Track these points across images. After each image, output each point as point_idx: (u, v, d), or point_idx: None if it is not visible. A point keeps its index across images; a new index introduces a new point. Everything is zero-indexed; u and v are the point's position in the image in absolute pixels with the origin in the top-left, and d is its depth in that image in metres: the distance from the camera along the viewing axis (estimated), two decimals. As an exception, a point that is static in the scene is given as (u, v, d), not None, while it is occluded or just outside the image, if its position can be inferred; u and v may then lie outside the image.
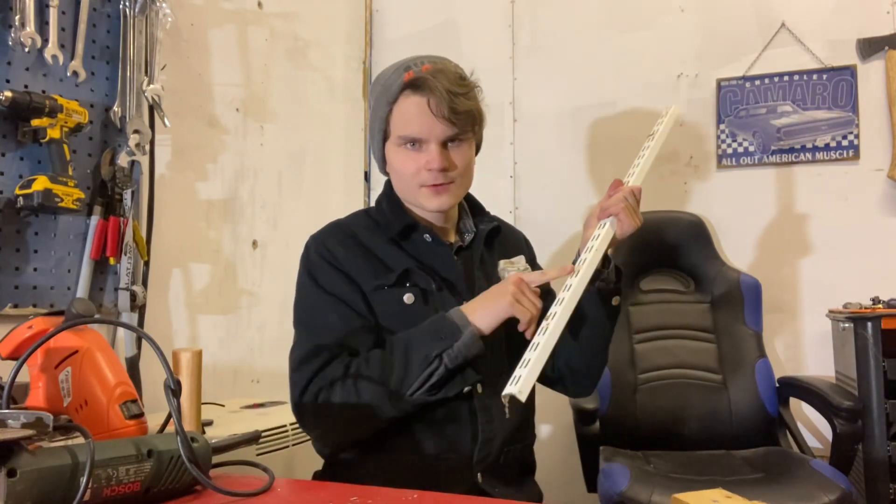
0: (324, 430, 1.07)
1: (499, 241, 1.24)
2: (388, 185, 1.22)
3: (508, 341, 1.12)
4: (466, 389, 1.06)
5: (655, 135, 1.17)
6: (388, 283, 1.09)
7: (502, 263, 1.20)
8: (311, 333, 1.08)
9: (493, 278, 1.18)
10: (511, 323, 1.12)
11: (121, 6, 1.62)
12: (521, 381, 0.88)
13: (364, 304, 1.09)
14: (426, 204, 1.12)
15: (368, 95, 1.19)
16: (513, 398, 0.88)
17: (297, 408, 1.05)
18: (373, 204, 1.26)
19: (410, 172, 1.10)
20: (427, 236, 1.14)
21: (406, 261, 1.12)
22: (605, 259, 1.12)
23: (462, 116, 1.07)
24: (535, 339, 0.96)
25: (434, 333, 1.01)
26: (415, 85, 1.06)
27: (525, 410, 1.18)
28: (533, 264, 1.27)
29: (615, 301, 1.14)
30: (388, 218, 1.16)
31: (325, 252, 1.12)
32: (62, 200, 1.39)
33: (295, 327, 1.12)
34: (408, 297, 1.08)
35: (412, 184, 1.11)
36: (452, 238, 1.21)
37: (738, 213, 2.17)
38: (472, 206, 1.25)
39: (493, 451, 1.08)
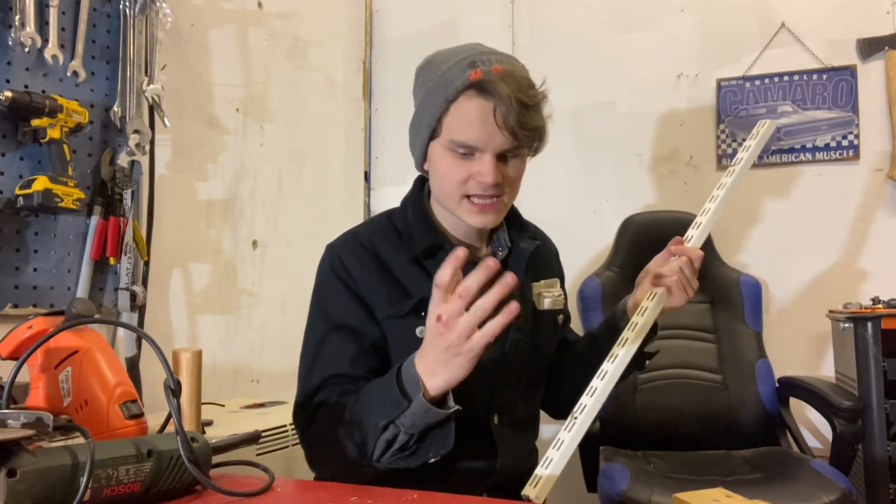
0: (326, 478, 0.99)
1: (534, 258, 1.12)
2: (418, 184, 1.12)
3: (524, 367, 1.08)
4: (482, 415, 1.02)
5: (717, 199, 1.12)
6: (400, 313, 0.99)
7: (538, 287, 1.11)
8: (309, 370, 1.01)
9: (530, 305, 1.09)
10: (533, 354, 1.09)
11: (121, 6, 1.62)
12: (540, 485, 0.88)
13: (374, 330, 1.00)
14: (468, 219, 1.00)
15: (416, 79, 1.05)
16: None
17: (303, 448, 1.01)
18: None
19: (457, 180, 0.97)
20: None
21: (426, 286, 0.97)
22: (654, 327, 1.06)
23: (527, 133, 0.95)
24: (560, 435, 0.92)
25: (381, 397, 0.86)
26: (481, 87, 0.93)
27: (535, 435, 1.16)
28: (562, 282, 1.19)
29: (646, 363, 1.11)
30: (412, 232, 1.05)
31: (339, 268, 1.02)
32: (62, 200, 1.39)
33: (301, 356, 1.04)
34: (420, 331, 0.97)
35: (456, 192, 0.99)
36: (483, 253, 1.10)
37: (738, 213, 2.17)
38: (508, 216, 1.13)
39: (505, 472, 1.05)
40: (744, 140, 2.17)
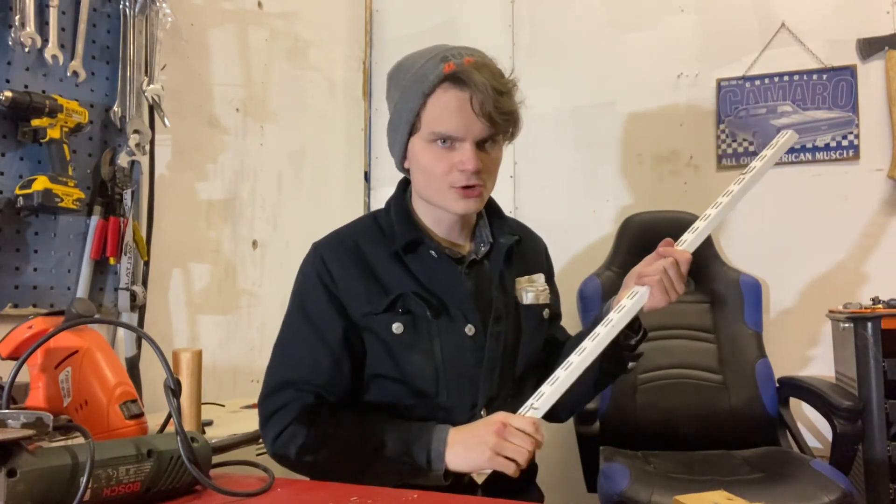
0: (283, 465, 1.04)
1: (518, 253, 1.16)
2: (401, 185, 1.15)
3: (508, 361, 1.09)
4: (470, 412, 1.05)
5: (720, 206, 1.11)
6: (376, 311, 1.03)
7: (521, 283, 1.13)
8: (282, 363, 1.06)
9: (511, 298, 1.12)
10: (517, 348, 1.10)
11: (121, 6, 1.62)
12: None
13: (350, 335, 1.04)
14: (452, 206, 1.03)
15: (389, 83, 1.09)
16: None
17: (262, 433, 1.04)
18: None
19: (441, 171, 1.01)
20: (433, 252, 1.06)
21: (405, 282, 1.05)
22: (637, 322, 1.07)
23: (505, 117, 1.00)
24: (527, 404, 0.96)
25: (404, 453, 0.95)
26: (456, 78, 0.97)
27: None
28: (550, 278, 1.21)
29: (630, 365, 1.12)
30: (393, 229, 1.08)
31: (321, 269, 1.05)
32: (62, 200, 1.39)
33: (274, 346, 1.08)
34: (396, 327, 1.02)
35: (441, 184, 1.02)
36: (466, 249, 1.12)
37: (738, 213, 2.17)
38: (489, 210, 1.16)
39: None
40: (744, 140, 2.18)
